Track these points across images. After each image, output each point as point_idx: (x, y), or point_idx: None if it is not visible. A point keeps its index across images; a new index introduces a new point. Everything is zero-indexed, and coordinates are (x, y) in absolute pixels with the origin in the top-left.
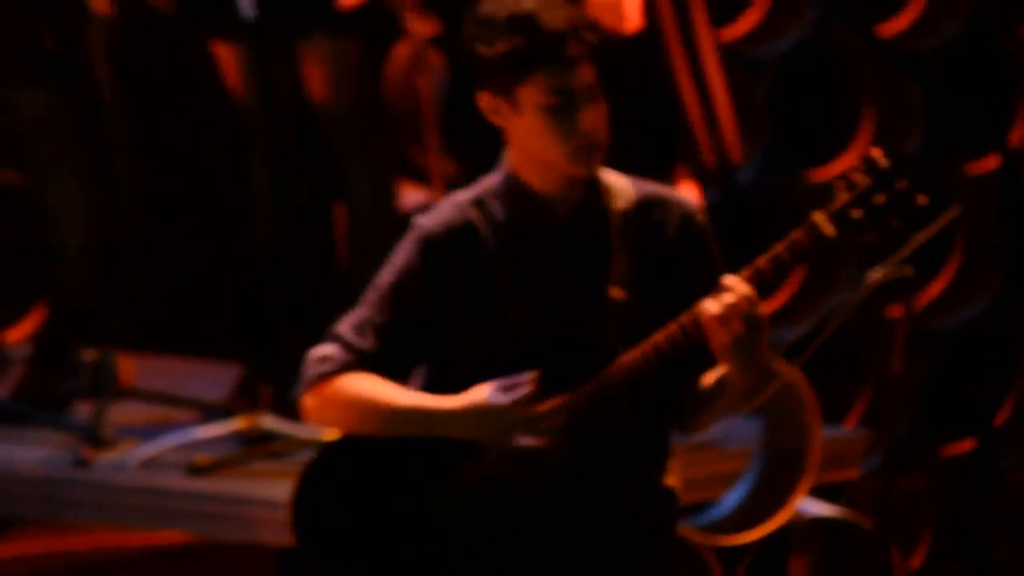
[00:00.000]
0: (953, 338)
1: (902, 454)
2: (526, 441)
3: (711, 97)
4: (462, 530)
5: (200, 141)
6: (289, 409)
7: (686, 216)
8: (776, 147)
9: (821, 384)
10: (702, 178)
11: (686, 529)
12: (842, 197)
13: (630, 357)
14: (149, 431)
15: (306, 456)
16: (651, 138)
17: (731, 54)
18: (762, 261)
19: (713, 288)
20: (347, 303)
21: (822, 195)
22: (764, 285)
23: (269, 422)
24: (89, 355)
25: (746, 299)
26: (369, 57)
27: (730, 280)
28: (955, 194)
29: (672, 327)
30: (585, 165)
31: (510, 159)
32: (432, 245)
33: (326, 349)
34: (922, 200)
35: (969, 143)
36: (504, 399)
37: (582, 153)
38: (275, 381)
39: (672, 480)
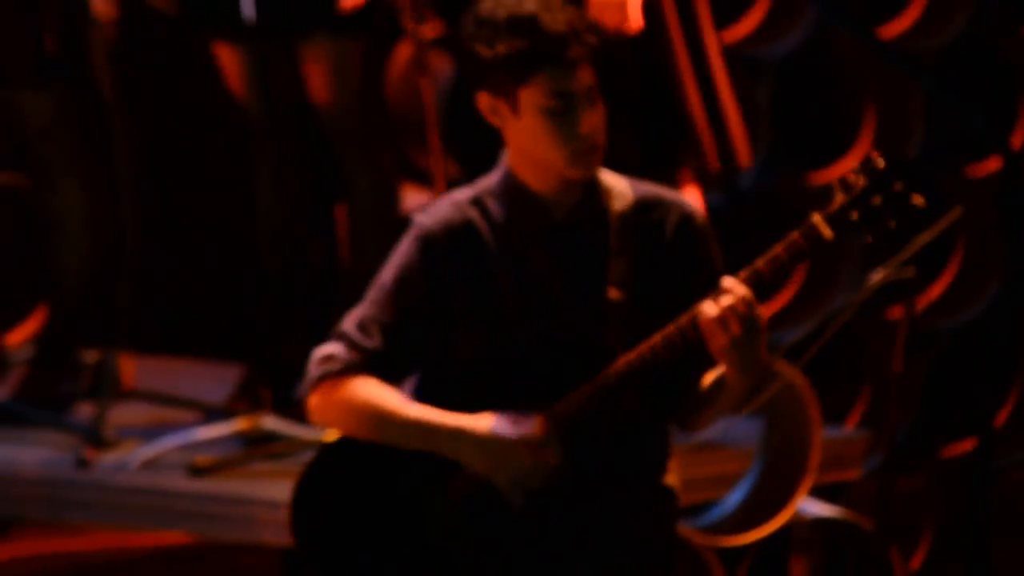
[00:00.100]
0: (953, 339)
1: (902, 455)
2: (523, 480)
3: (717, 99)
4: (461, 531)
5: (202, 142)
6: (290, 410)
7: (684, 217)
8: (777, 149)
9: (822, 385)
10: (704, 181)
11: (687, 530)
12: (839, 199)
13: (628, 359)
14: (150, 432)
15: (307, 457)
16: (654, 140)
17: (732, 56)
18: (760, 263)
19: (712, 288)
20: (348, 304)
21: (823, 197)
22: (762, 287)
23: (270, 423)
24: (90, 356)
25: (744, 301)
26: (371, 58)
27: (728, 282)
28: (956, 196)
29: (670, 329)
30: (583, 167)
31: (508, 159)
32: (431, 243)
33: (331, 348)
34: (919, 201)
35: (970, 145)
36: (510, 433)
37: (580, 155)
38: (276, 382)
39: (672, 479)
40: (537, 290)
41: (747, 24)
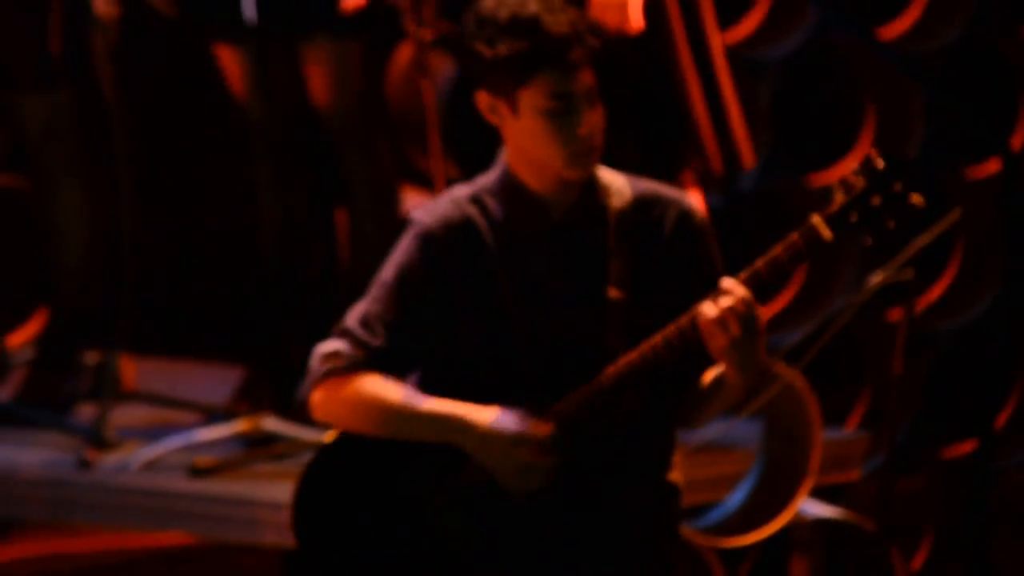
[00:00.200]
0: (953, 340)
1: (903, 456)
2: (525, 477)
3: (720, 100)
4: (463, 529)
5: (202, 143)
6: (291, 411)
7: (683, 213)
8: (777, 150)
9: (822, 386)
10: (704, 182)
11: (688, 531)
12: (839, 200)
13: (628, 358)
14: (151, 433)
15: (308, 458)
16: (655, 142)
17: (732, 57)
18: (760, 264)
19: (711, 285)
20: (349, 305)
21: (823, 198)
22: (762, 288)
23: (271, 424)
24: (92, 358)
25: (743, 302)
26: (371, 59)
27: (728, 283)
28: (956, 197)
29: (670, 329)
30: (581, 168)
31: (506, 157)
32: (431, 240)
33: (335, 344)
34: (918, 201)
35: (970, 146)
36: (511, 428)
37: (579, 157)
38: (277, 383)
39: (676, 476)
40: (536, 289)
41: (747, 25)
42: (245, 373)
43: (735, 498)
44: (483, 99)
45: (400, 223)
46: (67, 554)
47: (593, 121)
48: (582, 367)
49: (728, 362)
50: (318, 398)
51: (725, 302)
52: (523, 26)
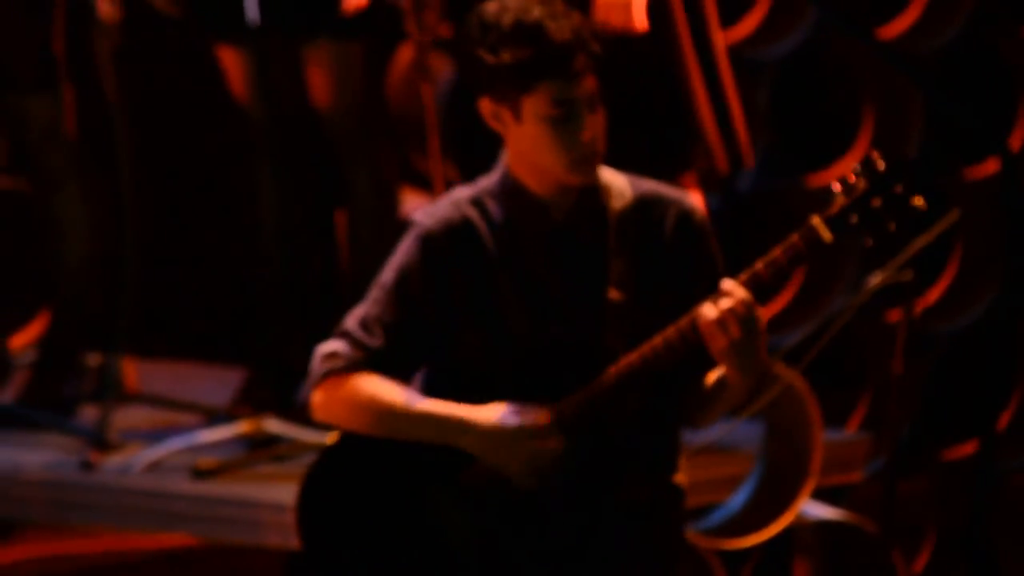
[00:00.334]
0: (954, 341)
1: (904, 457)
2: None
3: (725, 100)
4: (466, 531)
5: (204, 145)
6: (293, 412)
7: (683, 213)
8: (776, 150)
9: (823, 388)
10: (706, 183)
11: (690, 533)
12: (839, 201)
13: (629, 360)
14: (154, 435)
15: (310, 459)
16: (659, 143)
17: (731, 57)
18: (760, 265)
19: (712, 285)
20: (349, 307)
21: (822, 199)
22: (762, 289)
23: (273, 425)
24: (94, 360)
25: (743, 303)
26: (373, 61)
27: (728, 284)
28: (955, 198)
29: (670, 331)
30: (583, 174)
31: (507, 160)
32: (431, 242)
33: (335, 345)
34: (919, 203)
35: (969, 147)
36: (515, 421)
37: (581, 162)
38: (278, 385)
39: (681, 478)
40: (537, 291)
41: (746, 25)
42: (247, 375)
43: (737, 500)
44: (486, 106)
45: (400, 225)
46: (70, 555)
47: (595, 126)
48: (583, 369)
49: (729, 363)
50: (318, 399)
51: (725, 304)
52: (527, 33)
